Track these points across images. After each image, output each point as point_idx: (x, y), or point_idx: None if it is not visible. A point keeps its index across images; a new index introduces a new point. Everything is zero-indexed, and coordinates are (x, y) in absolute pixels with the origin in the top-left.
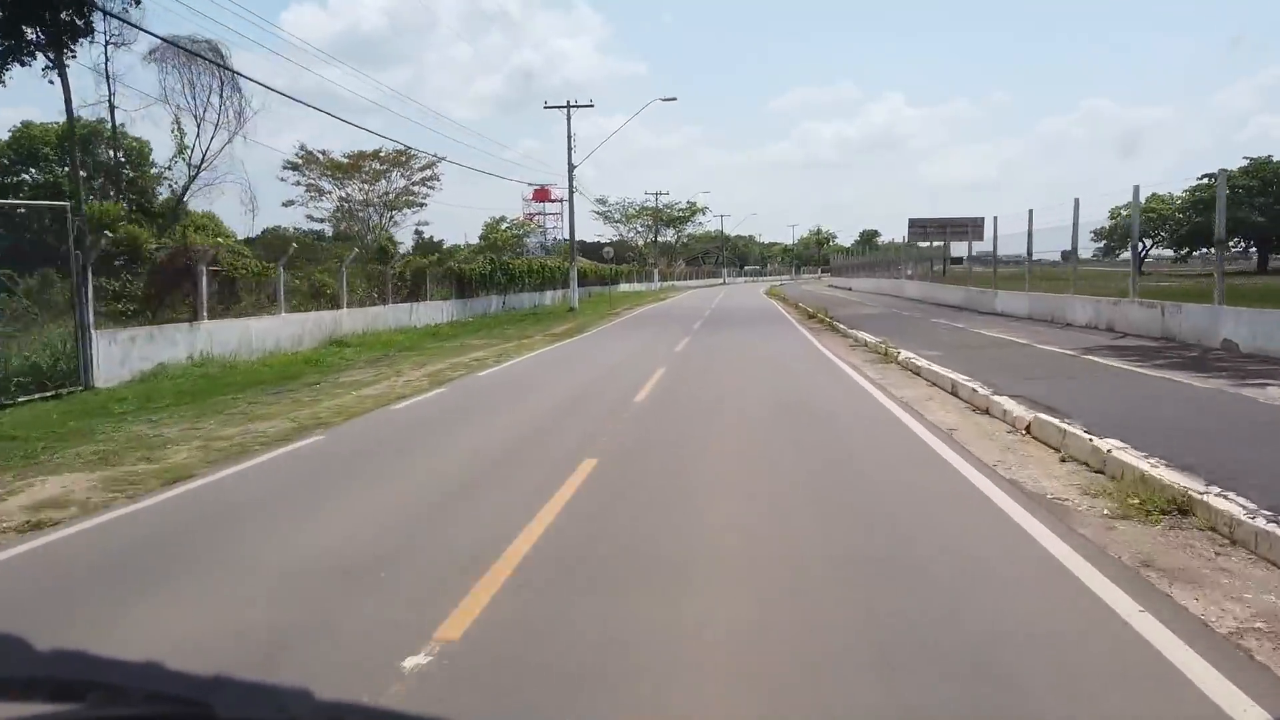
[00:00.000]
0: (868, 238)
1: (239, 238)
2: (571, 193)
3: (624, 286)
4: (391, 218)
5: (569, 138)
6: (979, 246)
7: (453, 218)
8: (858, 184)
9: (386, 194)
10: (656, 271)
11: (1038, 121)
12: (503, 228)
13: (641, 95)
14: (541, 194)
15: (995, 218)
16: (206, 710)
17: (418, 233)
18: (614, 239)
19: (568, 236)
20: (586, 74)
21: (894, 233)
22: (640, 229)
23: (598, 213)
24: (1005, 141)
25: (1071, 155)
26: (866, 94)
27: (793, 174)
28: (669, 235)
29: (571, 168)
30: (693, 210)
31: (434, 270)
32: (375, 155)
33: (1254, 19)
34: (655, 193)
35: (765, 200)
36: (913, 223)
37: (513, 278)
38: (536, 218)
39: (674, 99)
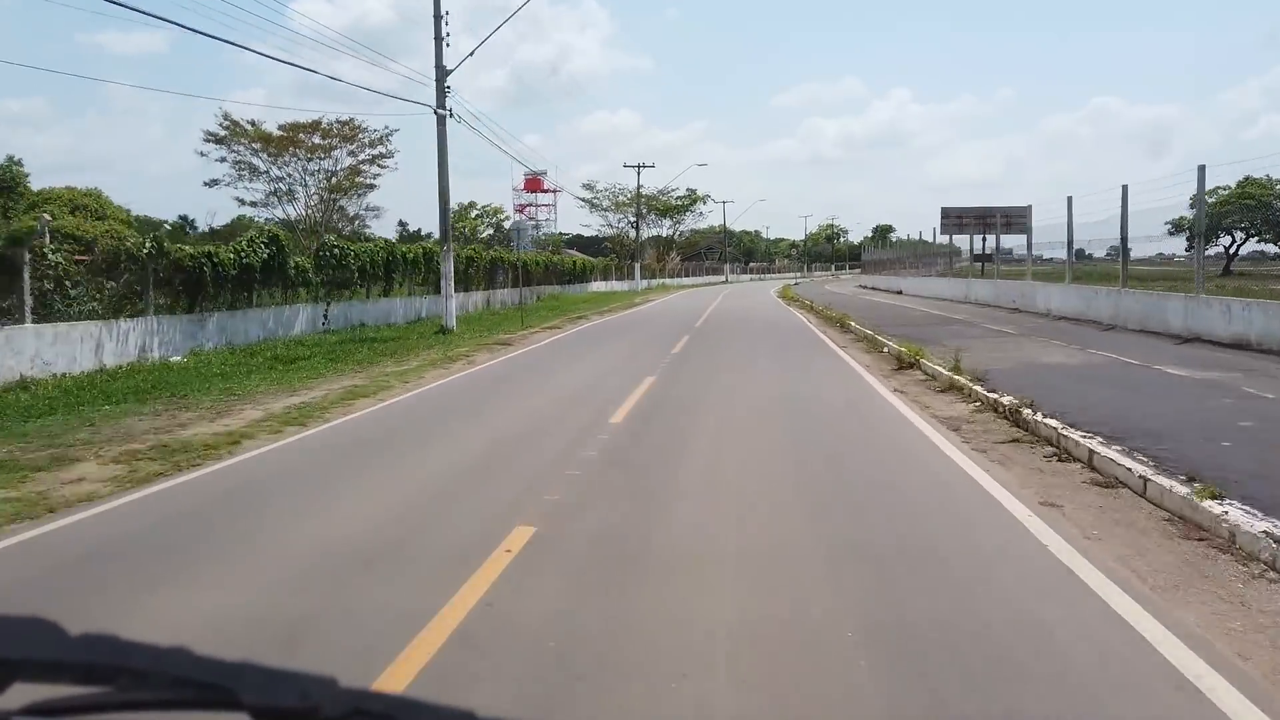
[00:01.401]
0: (882, 232)
1: (201, 229)
2: (444, 122)
3: (596, 285)
4: (335, 200)
5: (437, 20)
6: (1019, 239)
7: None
8: (863, 181)
9: (331, 173)
10: (639, 267)
11: (1044, 119)
12: (472, 215)
13: (645, 91)
14: (533, 183)
15: (1077, 197)
16: (229, 696)
17: (401, 224)
18: (602, 230)
19: (560, 228)
20: (592, 68)
21: (904, 229)
22: (633, 219)
23: (584, 200)
24: (1011, 139)
25: (1077, 153)
26: (873, 90)
27: (797, 171)
28: (665, 227)
29: (442, 74)
30: (692, 199)
31: (87, 257)
32: (315, 127)
33: (1257, 19)
34: (638, 165)
35: (770, 197)
36: (946, 212)
37: (351, 274)
38: (528, 209)
39: None
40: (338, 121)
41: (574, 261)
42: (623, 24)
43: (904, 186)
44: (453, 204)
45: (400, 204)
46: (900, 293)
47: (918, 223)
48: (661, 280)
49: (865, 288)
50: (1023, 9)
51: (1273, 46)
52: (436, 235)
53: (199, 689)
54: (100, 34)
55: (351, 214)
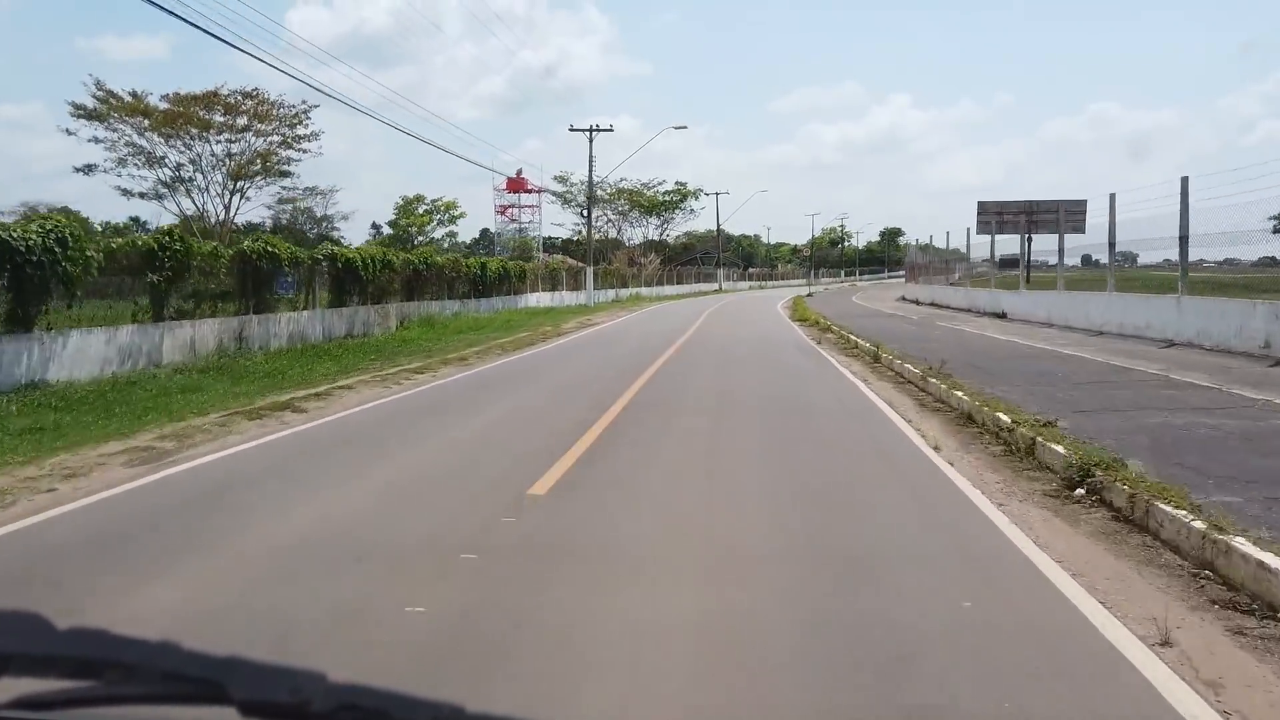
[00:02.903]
0: (891, 235)
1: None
2: None
3: (536, 299)
4: (240, 189)
5: None
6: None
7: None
8: (862, 186)
9: (235, 157)
10: (590, 274)
11: (1043, 124)
12: (419, 211)
13: (644, 97)
14: (516, 184)
15: None
16: (219, 691)
17: (375, 226)
18: (577, 230)
19: (547, 233)
20: (590, 74)
21: (911, 233)
22: (613, 216)
23: (557, 194)
24: (1011, 144)
25: (1077, 158)
26: (872, 96)
27: (798, 176)
28: (651, 226)
29: None
30: (682, 194)
31: None
32: (212, 99)
33: (1261, 24)
34: (589, 129)
35: (769, 202)
36: (983, 207)
37: None
38: (510, 210)
39: None
40: (239, 94)
41: (482, 264)
42: (621, 29)
43: (904, 191)
44: (396, 197)
45: (377, 207)
46: (1004, 315)
47: (920, 227)
48: (635, 290)
49: (918, 303)
50: (1023, 13)
51: (1255, 53)
52: (421, 241)
53: (188, 684)
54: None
55: (319, 215)
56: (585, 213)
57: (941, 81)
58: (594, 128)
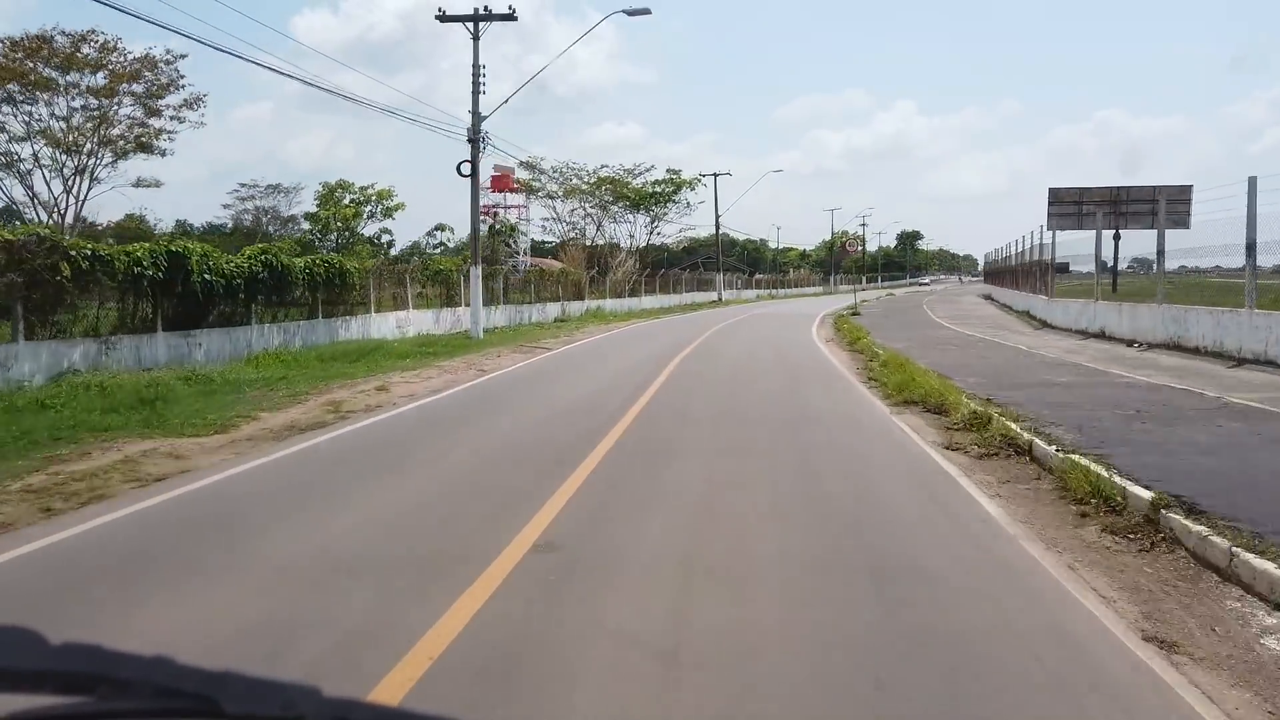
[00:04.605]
0: (909, 239)
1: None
2: None
3: (391, 321)
4: (85, 168)
5: None
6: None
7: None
8: (865, 193)
9: (68, 123)
10: (476, 278)
11: (1049, 131)
12: (345, 201)
13: (651, 105)
14: (501, 181)
15: None
16: (213, 706)
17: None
18: (547, 225)
19: (536, 235)
20: (596, 81)
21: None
22: (591, 210)
23: (521, 183)
24: (1015, 151)
25: (1081, 166)
26: (877, 102)
27: (801, 183)
28: (640, 224)
29: None
30: (675, 184)
31: None
32: (42, 46)
33: (1264, 32)
34: (473, 14)
35: (773, 209)
36: (1056, 195)
37: None
38: (494, 210)
39: None
40: (78, 38)
41: (176, 252)
42: (627, 36)
43: (909, 198)
44: (317, 184)
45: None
46: None
47: (925, 233)
48: (596, 302)
49: (1103, 335)
50: (1026, 21)
51: (1248, 62)
52: (404, 246)
53: (181, 698)
54: None
55: (284, 215)
56: (570, 210)
57: (947, 88)
58: (480, 11)
